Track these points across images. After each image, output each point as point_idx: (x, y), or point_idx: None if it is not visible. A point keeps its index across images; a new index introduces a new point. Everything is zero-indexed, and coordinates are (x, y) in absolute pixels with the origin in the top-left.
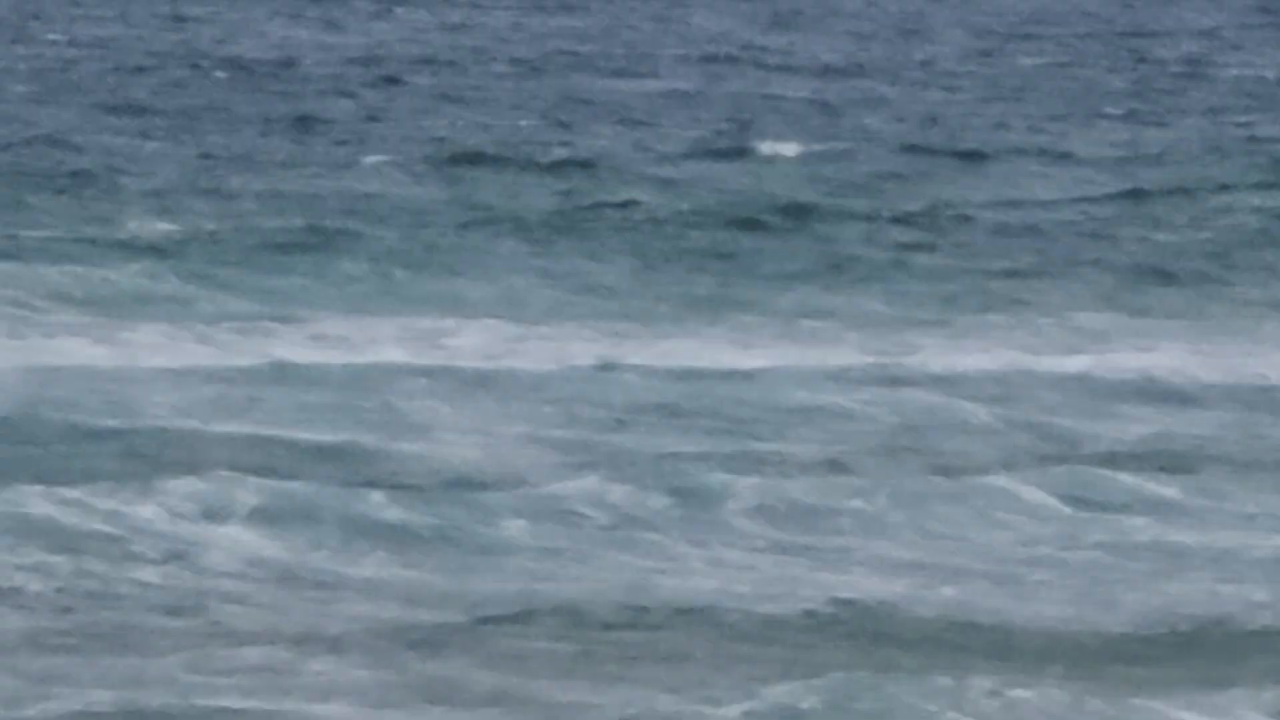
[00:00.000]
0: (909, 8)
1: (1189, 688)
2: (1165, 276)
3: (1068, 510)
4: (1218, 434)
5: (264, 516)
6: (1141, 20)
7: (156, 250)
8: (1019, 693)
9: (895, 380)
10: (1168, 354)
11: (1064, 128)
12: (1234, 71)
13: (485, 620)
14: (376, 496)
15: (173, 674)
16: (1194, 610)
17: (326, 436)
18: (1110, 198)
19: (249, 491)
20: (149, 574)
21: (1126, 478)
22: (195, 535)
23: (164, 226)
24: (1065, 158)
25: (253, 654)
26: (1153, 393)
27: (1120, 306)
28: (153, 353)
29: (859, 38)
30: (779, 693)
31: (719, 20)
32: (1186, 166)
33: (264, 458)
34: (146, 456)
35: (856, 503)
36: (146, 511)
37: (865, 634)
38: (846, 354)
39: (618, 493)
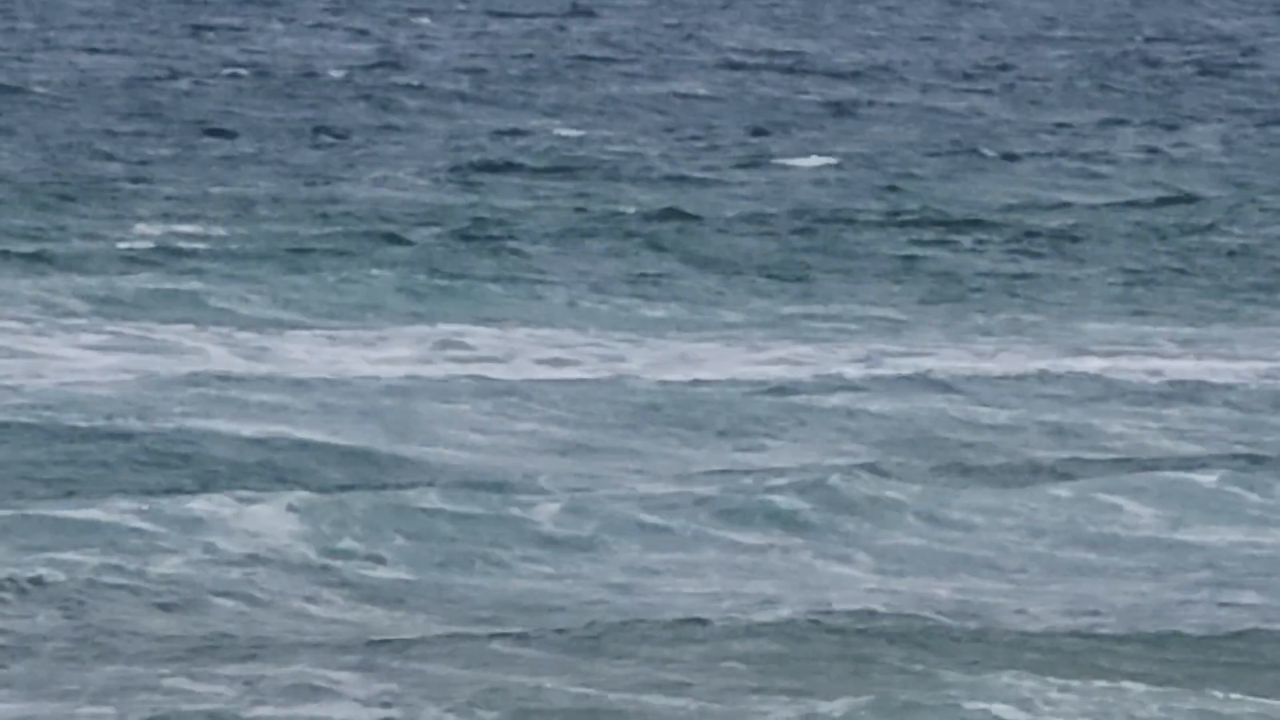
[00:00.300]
0: (927, 13)
1: (1230, 683)
2: (1184, 278)
3: (1089, 510)
4: (1234, 434)
5: (286, 521)
6: (1161, 24)
7: (179, 255)
8: (1061, 683)
9: (912, 382)
10: (1185, 356)
11: (1083, 131)
12: (1253, 74)
13: (505, 624)
14: (397, 500)
15: (171, 681)
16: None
17: (348, 441)
18: (1131, 201)
19: (269, 496)
20: (166, 578)
21: (1147, 477)
22: (214, 538)
23: (186, 231)
24: (1084, 160)
25: (259, 661)
26: (1169, 394)
27: (1139, 308)
28: (175, 357)
29: (877, 43)
30: (818, 698)
31: (737, 26)
32: (1206, 169)
33: (286, 462)
34: (169, 460)
35: (878, 505)
36: (167, 514)
37: (894, 636)
38: (863, 356)
39: (635, 496)
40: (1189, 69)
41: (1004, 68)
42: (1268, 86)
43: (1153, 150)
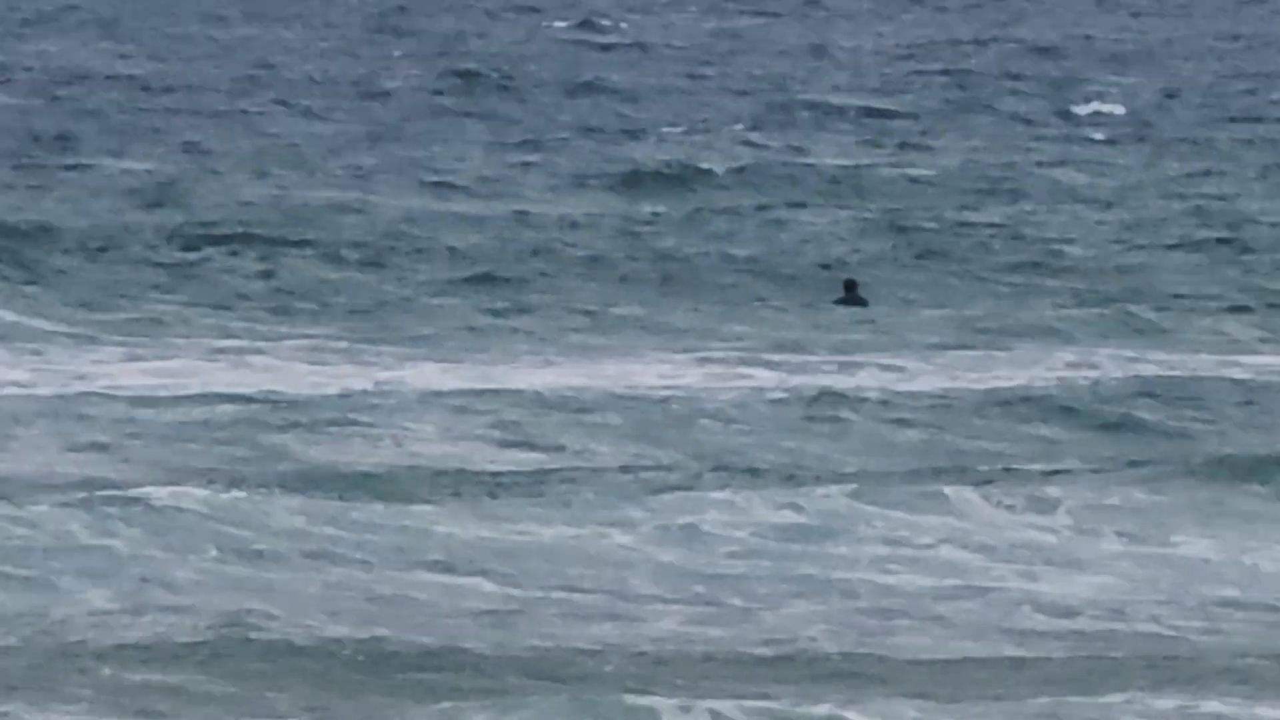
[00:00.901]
0: (238, 29)
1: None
2: (457, 292)
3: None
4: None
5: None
6: (420, 34)
7: None
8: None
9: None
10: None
11: (344, 140)
12: (517, 85)
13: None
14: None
15: None
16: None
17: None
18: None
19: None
20: None
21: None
22: None
23: None
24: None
25: None
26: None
27: (483, 322)
28: None
29: (176, 55)
30: None
31: (45, 39)
32: (472, 181)
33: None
34: None
35: (184, 520)
36: None
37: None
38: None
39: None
40: (455, 79)
41: (352, 85)
42: (531, 95)
43: (415, 162)
